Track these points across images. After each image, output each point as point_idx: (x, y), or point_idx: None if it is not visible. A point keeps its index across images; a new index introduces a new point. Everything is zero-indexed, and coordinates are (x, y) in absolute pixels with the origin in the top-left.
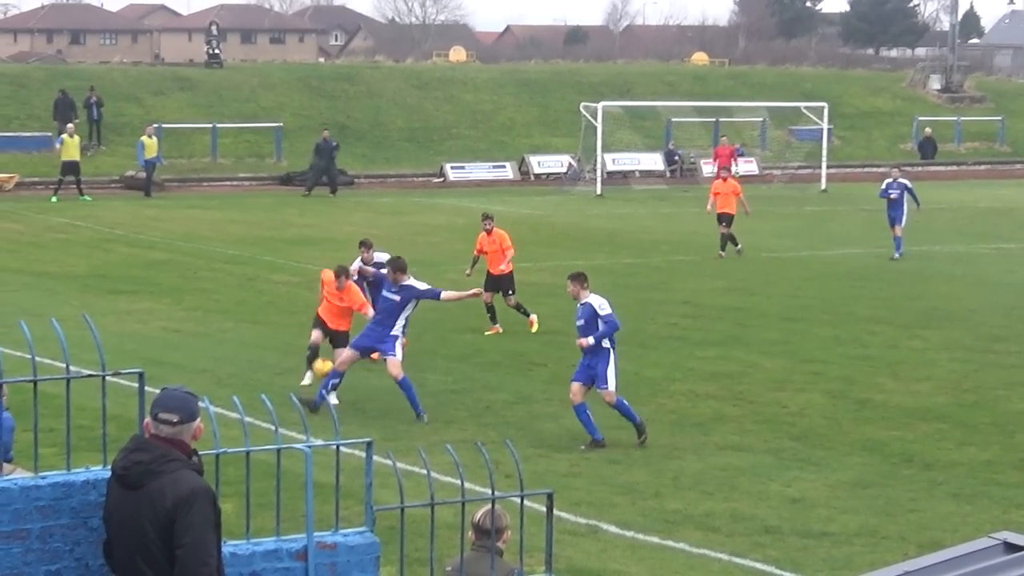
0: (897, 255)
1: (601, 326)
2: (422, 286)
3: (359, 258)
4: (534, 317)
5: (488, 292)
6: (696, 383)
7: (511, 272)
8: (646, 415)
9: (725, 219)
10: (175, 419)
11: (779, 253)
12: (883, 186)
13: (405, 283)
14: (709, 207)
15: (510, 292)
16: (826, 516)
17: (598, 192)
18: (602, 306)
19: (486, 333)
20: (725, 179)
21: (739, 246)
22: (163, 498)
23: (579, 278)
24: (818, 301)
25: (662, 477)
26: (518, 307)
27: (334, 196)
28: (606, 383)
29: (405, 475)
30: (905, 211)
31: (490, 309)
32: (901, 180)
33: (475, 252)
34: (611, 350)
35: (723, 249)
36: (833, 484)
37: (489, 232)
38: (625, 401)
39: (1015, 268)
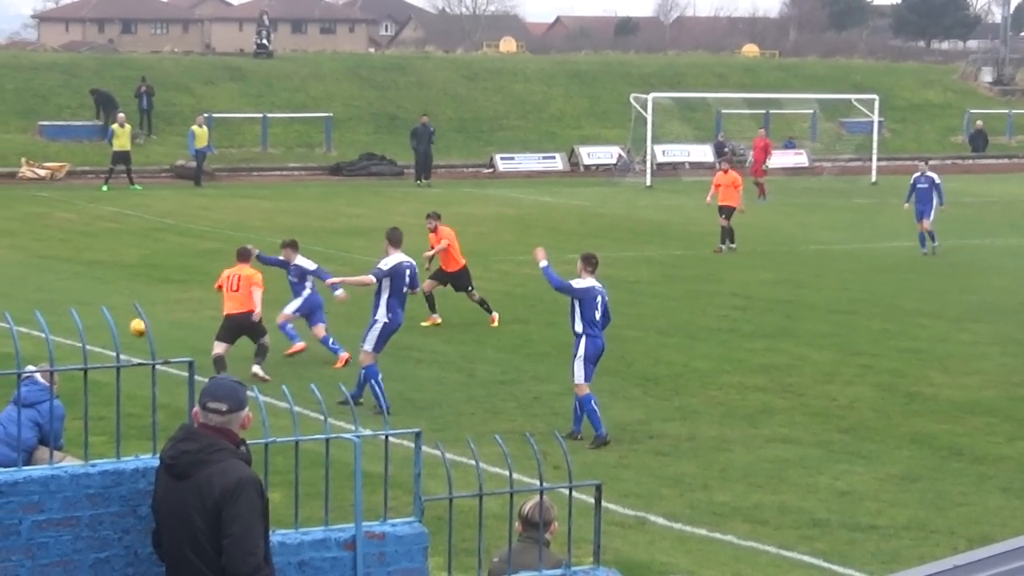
0: (924, 251)
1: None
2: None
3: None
4: (496, 315)
5: (434, 282)
6: (745, 375)
7: (464, 267)
8: (695, 407)
9: (726, 211)
10: (224, 408)
11: (828, 246)
12: (911, 180)
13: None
14: (709, 199)
15: (470, 288)
16: (875, 509)
17: (648, 183)
18: (580, 283)
19: (423, 324)
20: (726, 171)
21: (734, 244)
22: (211, 488)
23: (585, 259)
24: (867, 294)
25: (710, 469)
26: (481, 303)
27: (428, 183)
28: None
29: (453, 465)
30: (934, 206)
31: (429, 299)
32: (929, 174)
33: (429, 250)
34: (581, 338)
35: (722, 242)
36: (882, 477)
37: (433, 231)
38: (593, 403)
39: None
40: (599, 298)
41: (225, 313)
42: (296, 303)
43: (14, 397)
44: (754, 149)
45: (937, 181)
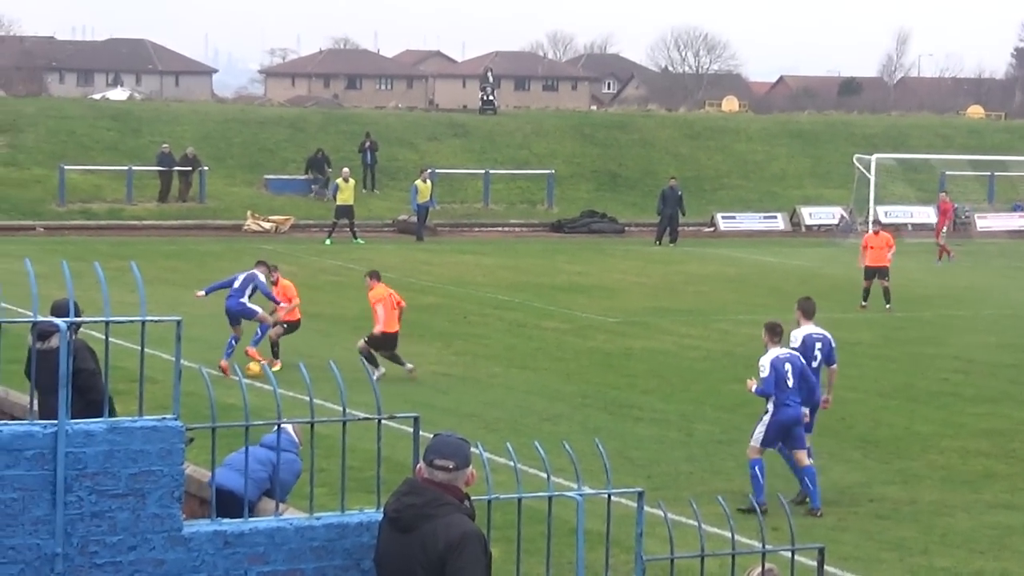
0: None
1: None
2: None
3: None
4: (277, 362)
5: (279, 329)
6: (967, 439)
7: (298, 320)
8: (916, 471)
9: (878, 272)
10: (451, 465)
11: None
12: None
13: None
14: (861, 263)
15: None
16: None
17: None
18: (763, 366)
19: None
20: (877, 232)
21: (890, 305)
22: (435, 541)
23: (769, 328)
24: None
25: (931, 534)
26: (274, 345)
27: (674, 245)
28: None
29: (675, 526)
30: None
31: (274, 345)
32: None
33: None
34: (770, 402)
35: (865, 300)
36: None
37: (275, 283)
38: (758, 468)
39: None
40: (786, 365)
41: (391, 331)
42: None
43: (263, 441)
44: (942, 212)
45: None
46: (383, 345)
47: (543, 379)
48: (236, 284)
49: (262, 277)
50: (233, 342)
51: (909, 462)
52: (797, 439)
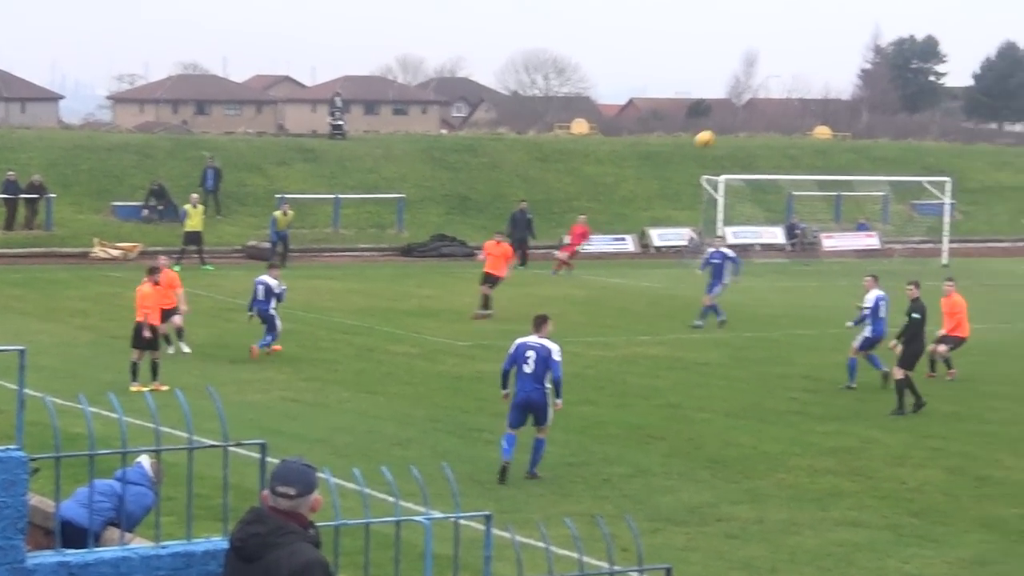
0: (698, 323)
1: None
2: None
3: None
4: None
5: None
6: (815, 458)
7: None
8: (764, 490)
9: (489, 279)
10: (293, 492)
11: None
12: (705, 255)
13: None
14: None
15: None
16: None
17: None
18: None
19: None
20: (498, 243)
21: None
22: (279, 570)
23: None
24: (939, 376)
25: (779, 552)
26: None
27: (524, 268)
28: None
29: (523, 548)
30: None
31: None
32: (722, 249)
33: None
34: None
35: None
36: (952, 561)
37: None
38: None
39: None
40: (529, 352)
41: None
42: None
43: (117, 475)
44: (571, 234)
45: (730, 255)
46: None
47: (393, 404)
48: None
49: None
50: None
51: (757, 481)
52: None
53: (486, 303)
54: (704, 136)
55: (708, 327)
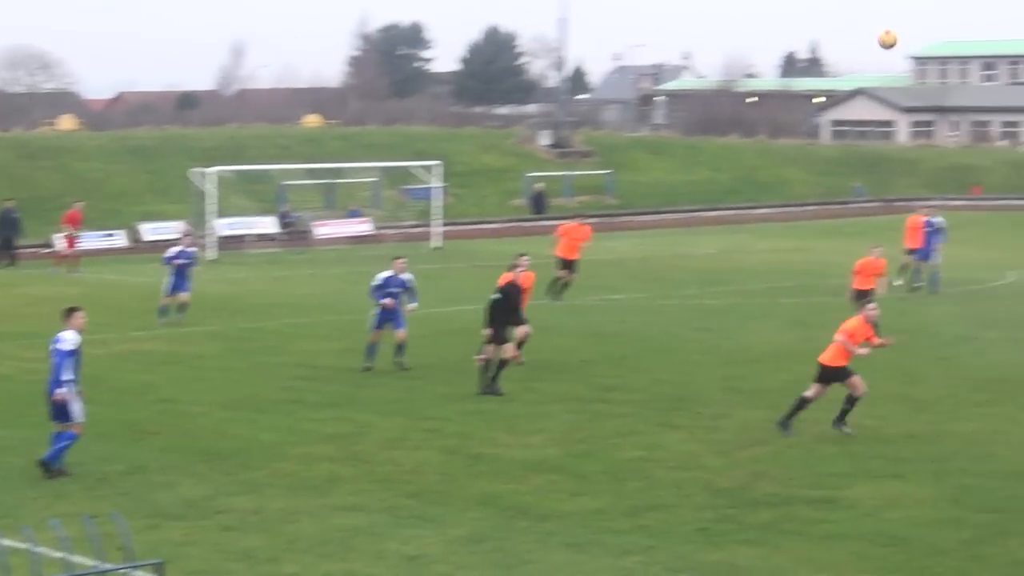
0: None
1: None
2: None
3: None
4: None
5: None
6: (312, 445)
7: None
8: (262, 480)
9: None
10: None
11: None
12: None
13: None
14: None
15: None
16: (444, 572)
17: (212, 257)
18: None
19: None
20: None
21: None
22: None
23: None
24: (435, 358)
25: (278, 541)
26: None
27: (13, 268)
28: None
29: (13, 553)
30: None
31: None
32: (188, 249)
33: None
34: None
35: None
36: (450, 540)
37: None
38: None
39: (626, 318)
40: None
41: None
42: None
43: None
44: (68, 220)
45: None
46: None
47: None
48: None
49: None
50: None
51: (255, 472)
52: None
53: None
54: (889, 36)
55: (194, 319)
